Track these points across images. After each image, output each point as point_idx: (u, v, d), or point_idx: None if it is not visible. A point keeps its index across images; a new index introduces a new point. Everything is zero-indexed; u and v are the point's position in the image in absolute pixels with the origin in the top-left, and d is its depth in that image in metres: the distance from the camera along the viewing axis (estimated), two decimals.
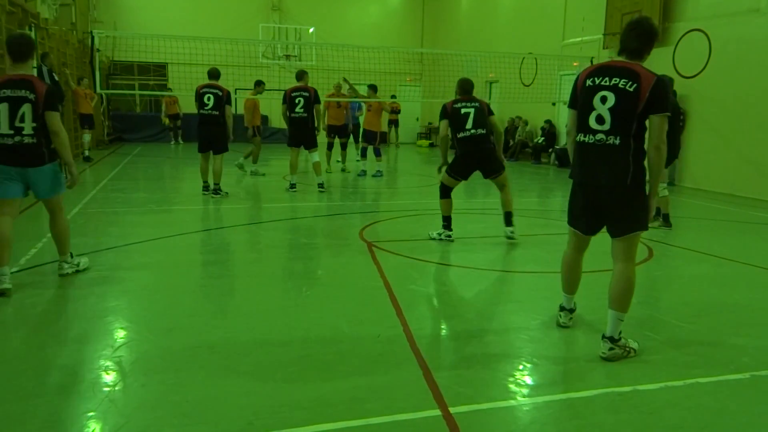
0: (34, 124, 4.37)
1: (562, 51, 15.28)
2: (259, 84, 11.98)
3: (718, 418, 2.81)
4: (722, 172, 11.00)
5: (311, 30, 21.08)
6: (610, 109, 3.28)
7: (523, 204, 9.65)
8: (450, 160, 6.25)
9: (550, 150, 15.65)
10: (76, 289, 4.48)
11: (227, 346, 3.51)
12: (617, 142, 3.28)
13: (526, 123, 16.93)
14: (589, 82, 3.39)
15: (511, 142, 16.94)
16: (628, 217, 3.34)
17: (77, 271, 4.88)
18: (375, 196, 10.28)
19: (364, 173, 12.08)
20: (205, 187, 8.97)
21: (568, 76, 15.04)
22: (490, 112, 6.15)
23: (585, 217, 3.59)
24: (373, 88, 12.08)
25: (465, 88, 6.19)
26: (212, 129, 8.64)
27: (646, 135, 3.32)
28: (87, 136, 13.71)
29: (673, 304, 4.54)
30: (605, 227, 3.53)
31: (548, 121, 15.86)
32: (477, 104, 6.07)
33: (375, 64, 14.76)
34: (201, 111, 8.62)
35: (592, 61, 13.60)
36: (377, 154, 12.13)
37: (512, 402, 2.92)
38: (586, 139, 3.40)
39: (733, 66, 10.76)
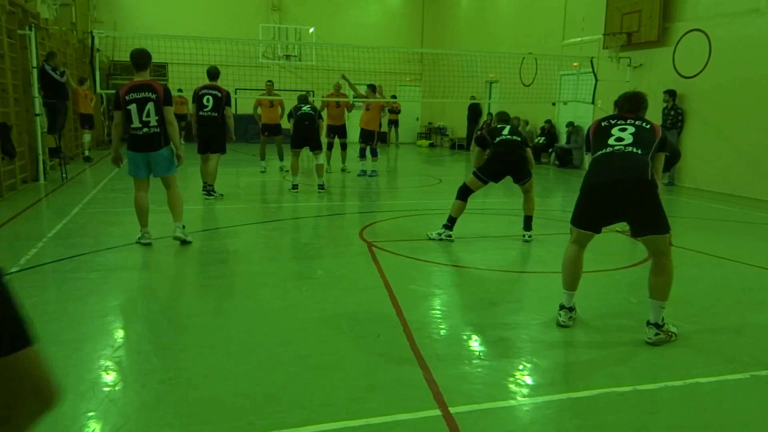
0: (157, 117, 5.54)
1: (562, 51, 15.27)
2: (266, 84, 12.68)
3: (718, 418, 2.81)
4: (722, 172, 10.99)
5: (311, 30, 21.07)
6: (632, 134, 3.72)
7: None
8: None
9: (550, 150, 15.64)
10: (76, 289, 4.48)
11: (227, 346, 3.51)
12: (638, 151, 3.63)
13: (526, 123, 16.91)
14: (604, 123, 3.87)
15: None
16: (650, 215, 3.60)
17: (186, 239, 5.79)
18: (375, 196, 10.28)
19: (363, 173, 12.07)
20: (210, 192, 8.79)
21: (568, 76, 15.04)
22: (526, 144, 6.40)
23: (597, 216, 3.80)
24: (372, 88, 12.04)
25: (502, 118, 6.56)
26: (212, 130, 8.55)
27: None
28: (87, 136, 13.72)
29: (673, 304, 4.53)
30: (629, 227, 3.80)
31: (548, 121, 15.85)
32: (512, 127, 6.40)
33: (375, 64, 14.73)
34: (200, 112, 8.55)
35: (592, 61, 13.61)
36: (374, 154, 12.11)
37: (512, 402, 2.92)
38: (606, 150, 3.73)
39: (733, 66, 10.76)
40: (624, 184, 3.60)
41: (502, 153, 6.17)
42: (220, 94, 8.54)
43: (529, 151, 6.44)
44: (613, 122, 3.84)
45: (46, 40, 11.40)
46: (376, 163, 12.30)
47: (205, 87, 8.64)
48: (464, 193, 6.26)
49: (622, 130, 3.76)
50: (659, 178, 3.72)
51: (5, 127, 8.58)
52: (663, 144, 3.76)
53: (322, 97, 13.00)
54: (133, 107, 5.51)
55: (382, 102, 12.38)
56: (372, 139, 11.93)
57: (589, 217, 3.82)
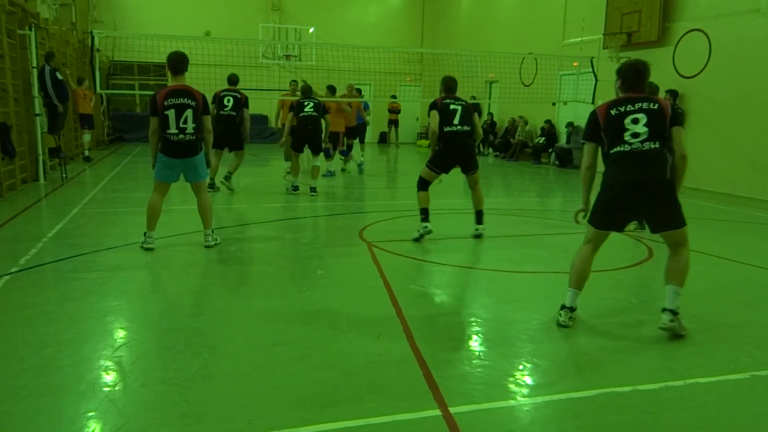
0: (194, 125, 5.50)
1: (562, 51, 15.27)
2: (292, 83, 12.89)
3: (718, 418, 2.81)
4: (722, 172, 10.99)
5: (311, 30, 21.07)
6: (645, 124, 3.69)
7: (523, 204, 9.66)
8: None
9: (550, 150, 15.64)
10: (76, 289, 4.48)
11: (227, 346, 3.51)
12: (656, 145, 3.67)
13: (526, 123, 16.91)
14: (613, 112, 3.77)
15: (512, 142, 16.94)
16: (670, 212, 3.68)
17: (217, 244, 5.82)
18: (375, 196, 10.28)
19: (329, 173, 11.82)
20: (211, 185, 9.03)
21: (568, 76, 15.03)
22: (474, 110, 6.39)
23: (618, 216, 3.85)
24: (331, 89, 11.92)
25: (449, 85, 6.39)
26: (229, 128, 9.18)
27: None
28: (87, 136, 13.72)
29: None
30: (647, 224, 3.91)
31: (548, 121, 15.85)
32: (463, 103, 6.30)
33: (375, 64, 14.74)
34: (220, 112, 9.21)
35: (592, 61, 13.60)
36: (343, 153, 12.07)
37: (512, 402, 2.92)
38: (623, 148, 3.72)
39: (733, 66, 10.76)
40: (645, 185, 3.64)
41: (452, 144, 6.19)
42: (239, 96, 9.29)
43: (476, 118, 6.34)
44: (622, 110, 3.73)
45: (46, 40, 11.40)
46: (349, 163, 12.34)
47: (226, 90, 9.36)
48: (423, 184, 6.38)
49: (635, 122, 3.70)
50: (683, 153, 3.71)
51: (5, 127, 8.58)
52: (675, 118, 3.74)
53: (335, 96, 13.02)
54: (171, 113, 5.40)
55: (341, 104, 11.87)
56: (337, 140, 11.86)
57: (609, 218, 3.84)
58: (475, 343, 3.68)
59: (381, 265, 5.35)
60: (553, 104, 15.83)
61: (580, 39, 14.69)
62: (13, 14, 9.29)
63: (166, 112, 5.41)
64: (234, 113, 9.19)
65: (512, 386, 3.08)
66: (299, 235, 6.93)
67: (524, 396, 2.99)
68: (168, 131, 5.44)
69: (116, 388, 2.93)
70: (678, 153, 3.74)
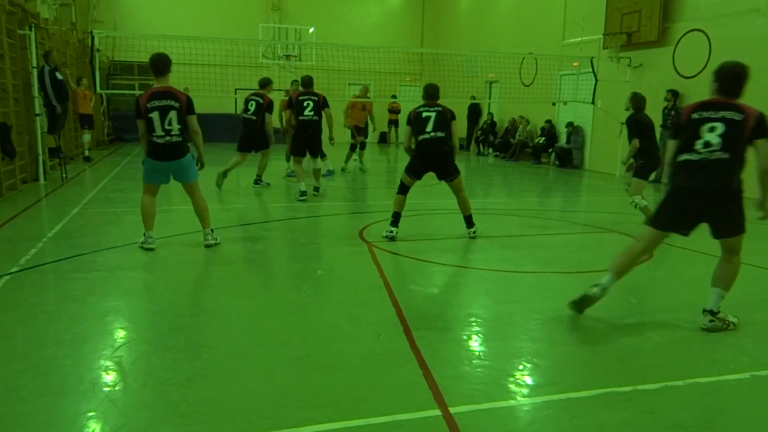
0: (179, 126, 5.43)
1: (562, 51, 15.26)
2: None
3: (718, 418, 2.81)
4: None
5: (311, 30, 21.06)
6: (720, 135, 3.69)
7: (523, 204, 9.66)
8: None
9: (550, 150, 15.63)
10: (76, 289, 4.48)
11: (227, 346, 3.51)
12: (726, 156, 3.70)
13: (527, 122, 16.90)
14: (695, 116, 3.80)
15: (512, 142, 16.94)
16: (731, 220, 3.83)
17: (216, 244, 5.79)
18: (375, 196, 10.28)
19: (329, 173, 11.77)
20: (224, 173, 9.58)
21: (568, 76, 15.03)
22: (453, 117, 6.40)
23: (680, 219, 3.91)
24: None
25: (429, 92, 6.47)
26: (251, 131, 9.63)
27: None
28: (87, 136, 13.71)
29: (672, 304, 4.54)
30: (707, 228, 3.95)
31: (548, 121, 15.83)
32: (439, 109, 6.33)
33: (375, 64, 14.75)
34: (243, 115, 9.71)
35: (592, 61, 13.60)
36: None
37: (512, 402, 2.92)
38: (692, 157, 3.75)
39: None
40: (707, 192, 3.73)
41: (425, 152, 6.25)
42: (262, 101, 9.56)
43: (454, 124, 6.39)
44: (704, 115, 3.75)
45: (46, 40, 11.39)
46: (349, 162, 12.49)
47: (253, 94, 9.71)
48: (402, 188, 6.46)
49: (711, 130, 3.70)
50: (765, 168, 3.72)
51: (5, 127, 8.58)
52: (760, 130, 3.68)
53: (351, 97, 13.10)
54: (155, 115, 5.35)
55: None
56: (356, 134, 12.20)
57: (669, 220, 3.90)
58: (475, 343, 3.68)
59: (381, 265, 5.35)
60: (553, 104, 15.82)
61: (580, 39, 14.68)
62: (13, 14, 9.29)
63: (150, 115, 5.36)
64: (255, 117, 9.51)
65: (512, 386, 3.08)
66: (299, 235, 6.93)
67: (524, 396, 2.99)
68: (154, 134, 5.39)
69: (116, 388, 2.93)
70: (761, 166, 3.71)
